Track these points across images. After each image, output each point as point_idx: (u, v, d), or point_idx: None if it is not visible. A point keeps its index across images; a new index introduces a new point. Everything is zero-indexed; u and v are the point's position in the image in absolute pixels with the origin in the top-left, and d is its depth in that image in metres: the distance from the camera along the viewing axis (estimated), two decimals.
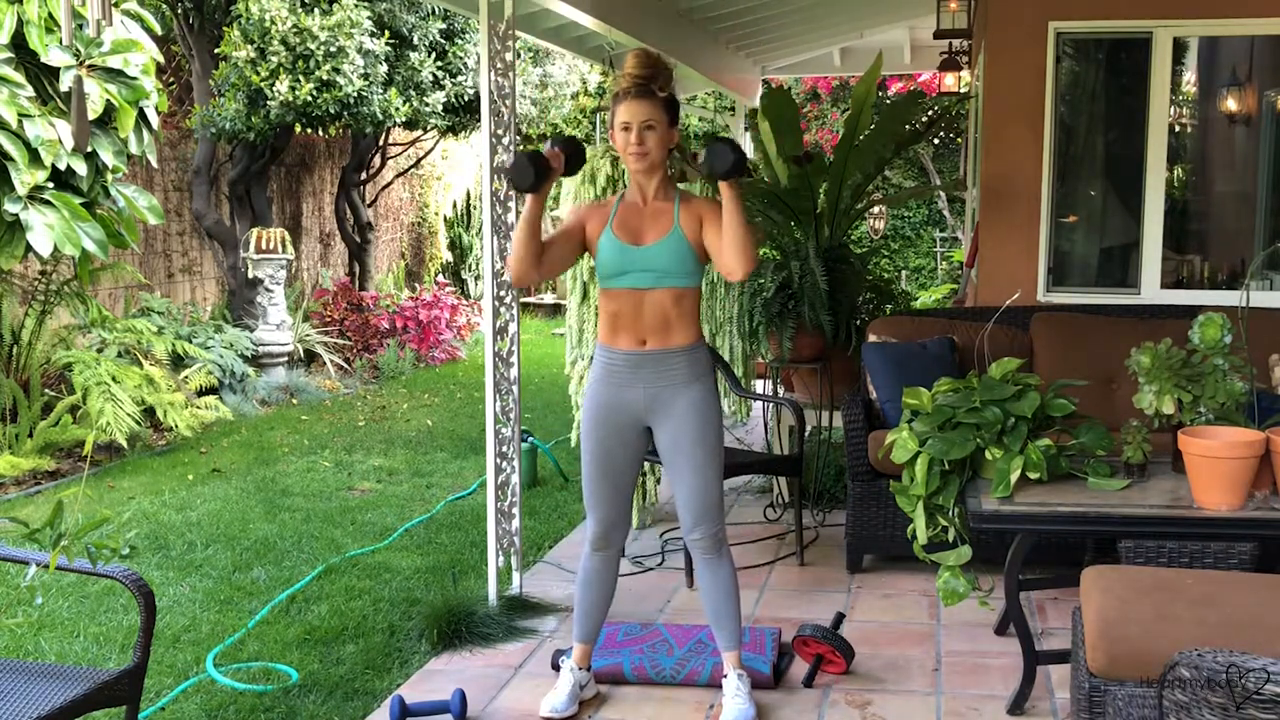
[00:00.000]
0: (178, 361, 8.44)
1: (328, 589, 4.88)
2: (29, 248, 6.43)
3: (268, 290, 9.50)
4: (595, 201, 3.53)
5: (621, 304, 3.49)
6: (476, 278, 14.54)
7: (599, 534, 3.64)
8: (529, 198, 3.39)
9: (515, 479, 4.61)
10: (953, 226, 13.95)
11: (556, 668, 3.91)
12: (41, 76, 6.65)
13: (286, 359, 9.62)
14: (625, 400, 3.54)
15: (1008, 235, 6.04)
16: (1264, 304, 5.12)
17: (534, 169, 3.33)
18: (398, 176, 13.43)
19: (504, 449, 4.55)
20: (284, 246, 9.57)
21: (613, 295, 3.50)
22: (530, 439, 6.43)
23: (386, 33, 9.65)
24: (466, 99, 10.72)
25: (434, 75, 10.20)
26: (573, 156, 3.48)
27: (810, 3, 8.01)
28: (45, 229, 6.40)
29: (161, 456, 7.36)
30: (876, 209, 12.69)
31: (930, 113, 6.81)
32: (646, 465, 5.57)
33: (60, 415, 7.07)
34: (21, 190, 6.30)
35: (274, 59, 9.07)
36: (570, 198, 5.52)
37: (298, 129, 10.02)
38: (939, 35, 8.22)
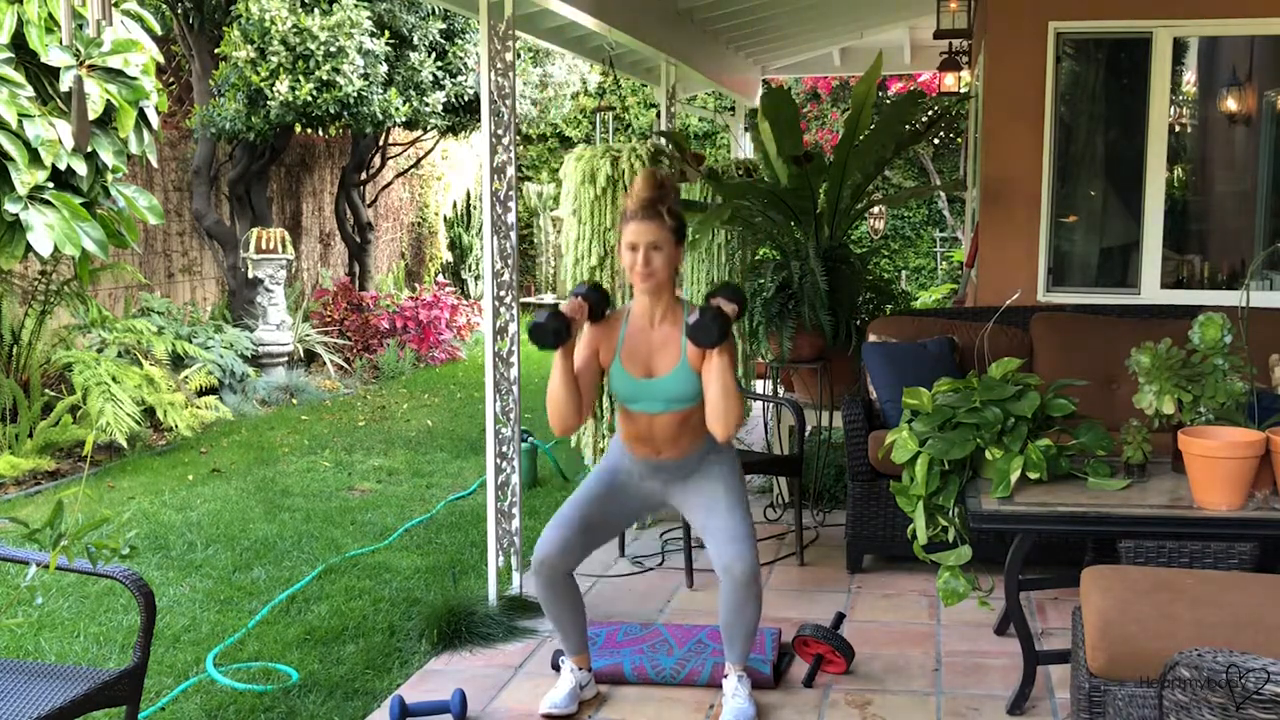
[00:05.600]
0: (178, 361, 8.44)
1: (328, 589, 4.88)
2: (29, 248, 6.43)
3: (268, 290, 9.50)
4: (603, 323, 3.55)
5: (634, 423, 3.56)
6: (476, 278, 14.54)
7: (538, 560, 3.56)
8: (557, 353, 3.41)
9: (515, 479, 4.61)
10: (953, 226, 13.96)
11: (556, 668, 3.91)
12: (41, 76, 6.65)
13: (286, 359, 9.62)
14: (640, 488, 3.65)
15: (1008, 235, 6.04)
16: (1264, 304, 5.12)
17: (553, 332, 3.35)
18: (398, 176, 13.43)
19: (504, 449, 4.55)
20: (284, 246, 9.56)
21: (625, 413, 3.58)
22: (530, 439, 6.43)
23: (386, 33, 9.65)
24: (466, 99, 10.72)
25: (434, 75, 10.20)
26: (597, 306, 3.51)
27: (810, 3, 8.01)
28: (45, 229, 6.40)
29: (161, 456, 7.36)
30: (876, 209, 12.69)
31: (930, 113, 6.80)
32: None
33: (60, 415, 7.07)
34: (21, 190, 6.30)
35: (274, 59, 9.07)
36: (570, 197, 5.52)
37: (298, 129, 10.02)
38: (939, 35, 8.22)
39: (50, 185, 6.53)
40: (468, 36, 10.61)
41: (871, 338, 5.31)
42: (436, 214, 15.24)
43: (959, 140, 12.46)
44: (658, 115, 7.70)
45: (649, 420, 3.52)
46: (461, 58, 10.57)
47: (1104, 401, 4.91)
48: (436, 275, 14.55)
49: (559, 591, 3.60)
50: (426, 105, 10.13)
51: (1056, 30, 5.89)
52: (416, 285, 13.50)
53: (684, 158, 5.59)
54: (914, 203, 14.50)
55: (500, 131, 4.45)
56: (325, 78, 9.09)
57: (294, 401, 9.20)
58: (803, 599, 4.71)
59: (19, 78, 6.38)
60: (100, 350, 7.63)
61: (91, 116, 6.61)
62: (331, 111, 9.27)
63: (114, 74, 6.70)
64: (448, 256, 15.12)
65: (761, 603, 3.57)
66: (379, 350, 10.73)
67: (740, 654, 3.62)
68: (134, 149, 7.01)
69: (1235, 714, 2.06)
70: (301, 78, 9.08)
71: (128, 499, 6.36)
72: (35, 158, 6.36)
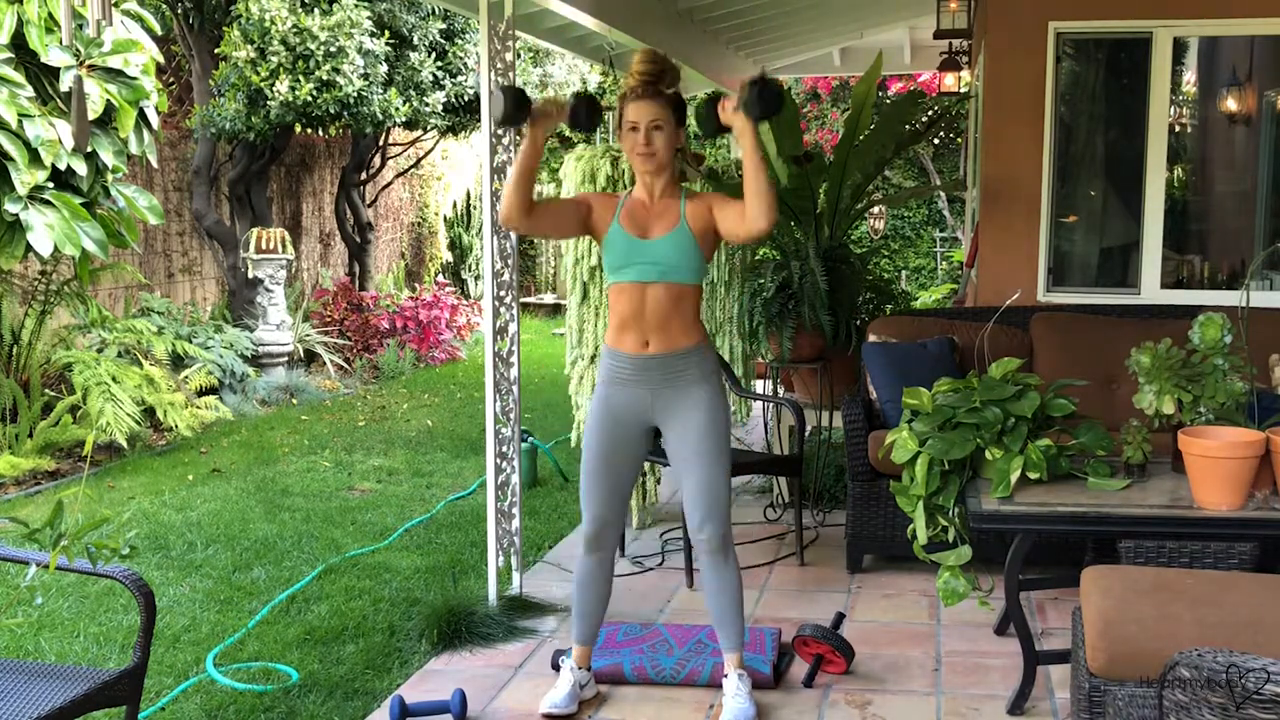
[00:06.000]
0: (178, 361, 8.44)
1: (328, 589, 4.88)
2: (29, 248, 6.43)
3: (268, 290, 9.50)
4: (603, 195, 3.55)
5: (626, 300, 3.49)
6: (476, 278, 14.54)
7: (592, 534, 3.66)
8: (525, 139, 3.39)
9: (515, 479, 4.61)
10: (953, 226, 13.95)
11: (556, 668, 3.91)
12: (41, 76, 6.65)
13: (286, 359, 9.62)
14: (630, 402, 3.55)
15: (1008, 235, 6.04)
16: (1264, 304, 5.12)
17: (511, 100, 3.29)
18: (398, 176, 13.43)
19: (504, 449, 4.55)
20: (284, 246, 9.56)
21: (618, 290, 3.50)
22: (530, 439, 6.42)
23: (386, 33, 9.65)
24: (466, 99, 10.72)
25: (434, 75, 10.20)
26: (580, 110, 3.46)
27: (810, 3, 8.01)
28: (45, 229, 6.40)
29: (161, 456, 7.36)
30: (876, 209, 12.69)
31: (930, 113, 6.81)
32: (646, 465, 5.57)
33: (60, 415, 7.07)
34: (21, 190, 6.30)
35: (274, 59, 9.07)
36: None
37: (298, 129, 10.02)
38: (939, 35, 8.22)
39: (50, 185, 6.52)
40: (468, 36, 10.61)
41: (871, 338, 5.31)
42: (436, 214, 15.24)
43: (959, 140, 12.45)
44: None
45: (641, 293, 3.46)
46: (461, 58, 10.57)
47: (1104, 401, 4.91)
48: (436, 275, 14.55)
49: (603, 568, 3.69)
50: (426, 105, 10.13)
51: (1056, 30, 5.89)
52: (416, 285, 13.50)
53: (684, 158, 5.58)
54: (914, 203, 14.50)
55: (500, 131, 4.45)
56: (325, 78, 9.09)
57: (294, 401, 9.20)
58: (803, 599, 4.71)
59: (19, 78, 6.38)
60: (100, 350, 7.63)
61: (91, 116, 6.61)
62: (331, 111, 9.27)
63: (114, 74, 6.70)
64: (448, 256, 15.12)
65: (739, 569, 3.62)
66: (379, 350, 10.73)
67: (734, 637, 3.62)
68: (134, 149, 7.01)
69: (1235, 714, 2.06)
70: (301, 78, 9.08)
71: (128, 499, 6.36)
72: (35, 158, 6.36)
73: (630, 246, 3.46)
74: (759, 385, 7.31)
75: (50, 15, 6.47)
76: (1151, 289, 5.93)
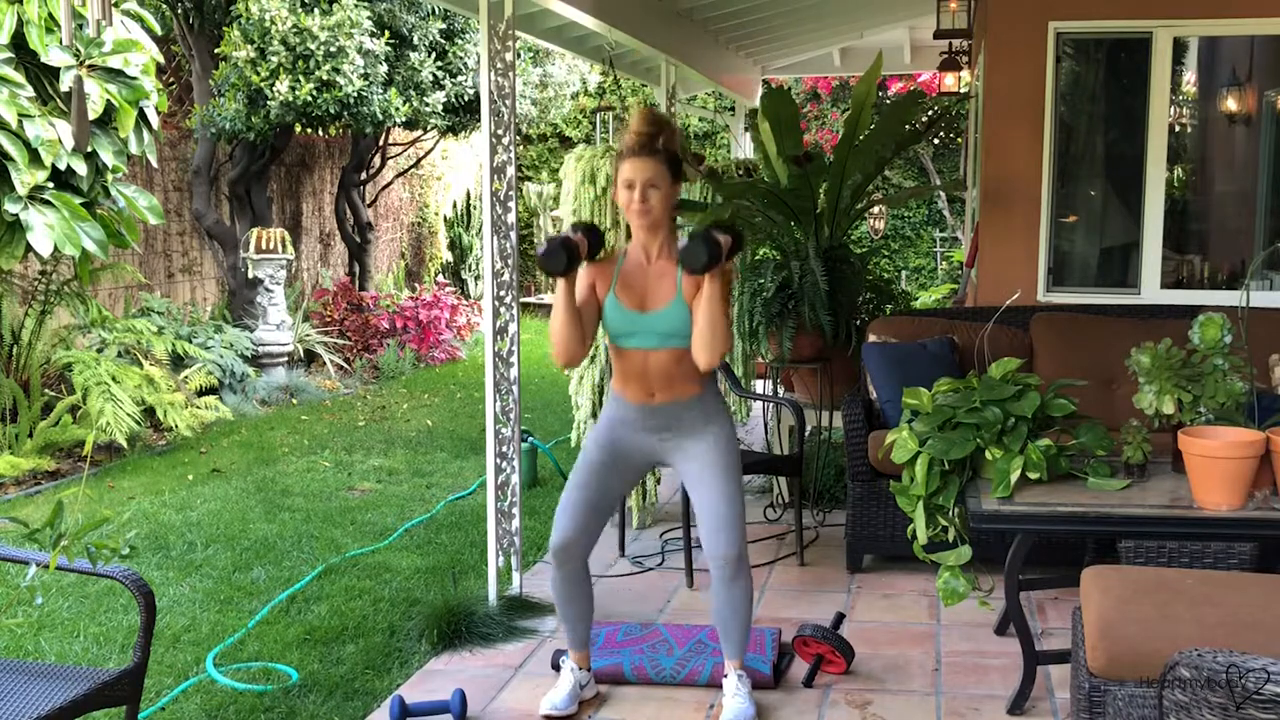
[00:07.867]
0: (178, 361, 8.44)
1: (328, 589, 4.88)
2: (29, 248, 6.43)
3: (268, 290, 9.50)
4: (598, 262, 3.54)
5: (628, 362, 3.52)
6: (476, 278, 14.54)
7: (558, 546, 3.59)
8: (560, 282, 3.39)
9: (515, 479, 4.61)
10: (953, 226, 13.95)
11: (556, 668, 3.91)
12: (41, 76, 6.65)
13: (286, 359, 9.62)
14: (637, 442, 3.59)
15: (1008, 235, 6.04)
16: (1264, 304, 5.12)
17: (565, 253, 3.34)
18: (398, 176, 13.43)
19: (504, 449, 4.55)
20: (284, 246, 9.56)
21: (619, 352, 3.54)
22: (530, 439, 6.43)
23: (386, 33, 9.65)
24: (466, 99, 10.72)
25: (434, 75, 10.20)
26: (594, 245, 3.50)
27: (810, 3, 8.01)
28: (45, 229, 6.40)
29: (161, 456, 7.36)
30: (876, 209, 12.68)
31: (930, 113, 6.81)
32: None
33: (60, 415, 7.07)
34: (21, 190, 6.30)
35: (274, 59, 9.07)
36: (570, 197, 5.52)
37: (298, 129, 10.02)
38: (939, 35, 8.21)
39: (50, 185, 6.52)
40: (468, 36, 10.61)
41: (871, 338, 5.31)
42: (436, 214, 15.24)
43: (959, 140, 12.46)
44: None
45: (643, 358, 3.48)
46: (461, 58, 10.57)
47: (1104, 401, 4.91)
48: (436, 275, 14.55)
49: (575, 580, 3.63)
50: (426, 105, 10.13)
51: (1056, 30, 5.89)
52: (416, 285, 13.50)
53: (684, 158, 5.58)
54: (914, 203, 14.49)
55: (500, 131, 4.45)
56: (325, 78, 9.09)
57: (294, 401, 9.20)
58: (803, 599, 4.71)
59: (19, 78, 6.38)
60: (100, 350, 7.63)
61: (91, 116, 6.61)
62: (331, 111, 9.27)
63: (114, 74, 6.70)
64: (448, 256, 15.12)
65: (752, 590, 3.59)
66: (379, 350, 10.72)
67: (737, 647, 3.61)
68: (134, 149, 7.01)
69: (1235, 714, 2.06)
70: (301, 78, 9.07)
71: (128, 499, 6.36)
72: (35, 158, 6.36)
73: (628, 320, 3.47)
74: (759, 385, 7.31)
75: (50, 15, 6.47)
76: (1151, 289, 5.94)
